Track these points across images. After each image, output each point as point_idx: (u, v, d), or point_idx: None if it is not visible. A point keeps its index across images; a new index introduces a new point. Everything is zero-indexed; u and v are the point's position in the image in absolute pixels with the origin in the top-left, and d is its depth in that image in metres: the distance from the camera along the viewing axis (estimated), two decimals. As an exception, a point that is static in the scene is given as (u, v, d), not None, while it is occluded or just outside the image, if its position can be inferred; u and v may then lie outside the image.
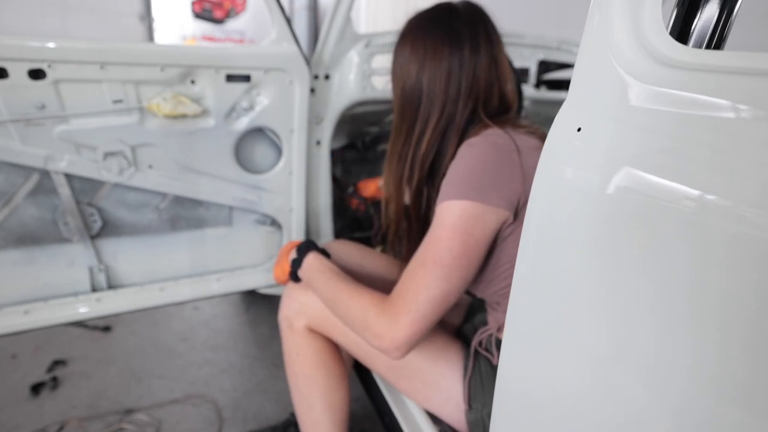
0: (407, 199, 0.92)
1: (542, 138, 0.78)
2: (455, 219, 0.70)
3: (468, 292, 0.90)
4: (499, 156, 0.72)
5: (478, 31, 0.83)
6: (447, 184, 0.74)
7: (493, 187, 0.71)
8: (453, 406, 0.83)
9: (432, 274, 0.69)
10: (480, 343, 0.85)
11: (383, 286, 0.95)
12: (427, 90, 0.83)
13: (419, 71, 0.83)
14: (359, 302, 0.75)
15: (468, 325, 1.01)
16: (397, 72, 0.88)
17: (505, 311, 0.80)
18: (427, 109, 0.83)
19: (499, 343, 0.81)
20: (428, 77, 0.82)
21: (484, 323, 0.93)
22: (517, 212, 0.73)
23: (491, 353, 0.82)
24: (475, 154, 0.74)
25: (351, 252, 1.05)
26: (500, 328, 0.83)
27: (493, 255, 0.77)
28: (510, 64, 0.90)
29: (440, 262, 0.70)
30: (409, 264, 0.73)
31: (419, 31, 0.85)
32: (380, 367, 0.87)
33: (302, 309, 0.90)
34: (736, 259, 0.30)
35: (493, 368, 0.81)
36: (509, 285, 0.77)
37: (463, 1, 0.88)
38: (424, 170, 0.87)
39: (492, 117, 0.81)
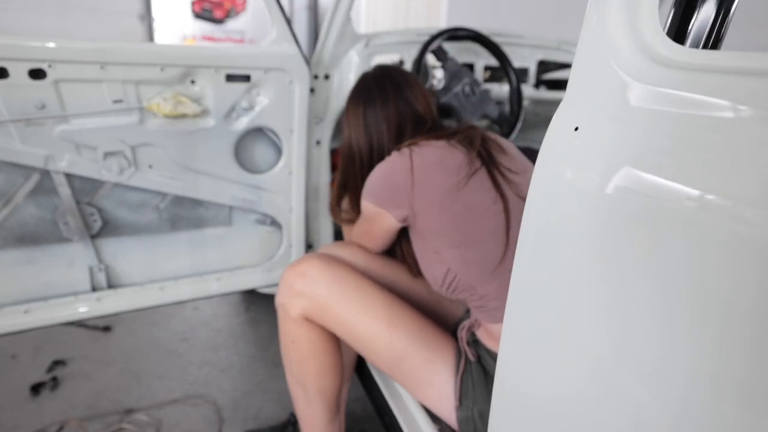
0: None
1: (447, 137, 0.93)
2: (364, 212, 0.99)
3: None
4: (392, 172, 0.90)
5: (384, 84, 1.05)
6: (365, 187, 0.97)
7: (387, 199, 0.91)
8: (446, 403, 0.84)
9: (356, 239, 1.08)
10: (462, 339, 0.88)
11: (391, 288, 0.97)
12: (356, 146, 1.06)
13: (349, 134, 1.07)
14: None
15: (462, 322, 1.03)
16: (342, 140, 1.11)
17: (474, 308, 0.88)
18: (359, 161, 1.06)
19: (473, 339, 0.88)
20: (355, 136, 1.06)
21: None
22: (407, 221, 0.91)
23: (466, 348, 0.86)
24: (384, 169, 0.92)
25: (356, 255, 1.05)
26: (473, 325, 0.88)
27: (422, 256, 0.92)
28: (428, 90, 1.14)
29: (359, 235, 1.05)
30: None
31: (348, 105, 1.09)
32: (378, 361, 0.88)
33: (299, 297, 0.91)
34: (735, 259, 0.30)
35: (482, 367, 0.84)
36: (456, 290, 0.88)
37: (374, 66, 1.14)
38: None
39: (413, 136, 1.00)
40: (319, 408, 0.97)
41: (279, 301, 0.96)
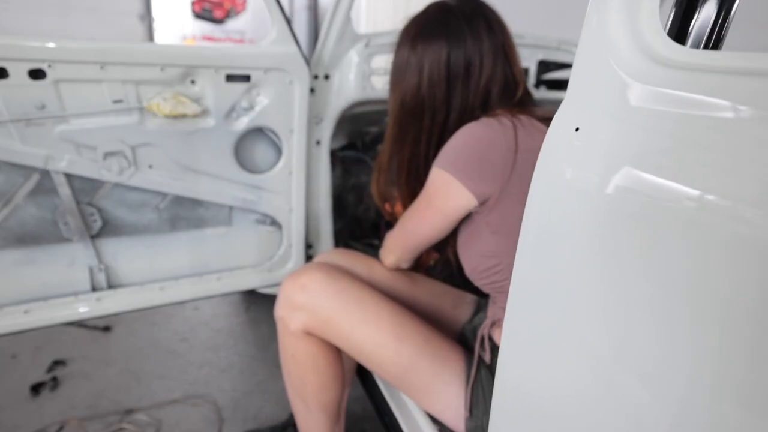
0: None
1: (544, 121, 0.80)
2: (429, 184, 0.81)
3: (470, 284, 0.92)
4: (490, 143, 0.74)
5: (477, 23, 0.80)
6: (443, 149, 0.78)
7: (473, 171, 0.74)
8: (453, 413, 0.82)
9: (401, 224, 0.90)
10: (481, 342, 0.84)
11: (393, 296, 0.95)
12: (428, 98, 0.82)
13: (418, 80, 0.82)
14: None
15: (469, 326, 1.01)
16: (395, 83, 0.87)
17: (500, 307, 0.83)
18: (429, 121, 0.84)
19: (492, 344, 0.83)
20: (427, 85, 0.81)
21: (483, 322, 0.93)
22: (486, 203, 0.76)
23: (485, 354, 0.82)
24: (478, 136, 0.75)
25: (356, 263, 1.02)
26: (493, 324, 0.84)
27: (472, 239, 0.83)
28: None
29: (407, 215, 0.87)
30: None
31: (417, 36, 0.83)
32: (384, 374, 0.86)
33: (299, 311, 0.88)
34: (735, 259, 0.30)
35: (494, 375, 0.81)
36: (497, 282, 0.81)
37: None
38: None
39: (499, 104, 0.81)
40: (319, 420, 0.94)
41: (278, 314, 0.92)
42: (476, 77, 0.80)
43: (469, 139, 0.75)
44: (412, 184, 0.91)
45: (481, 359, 0.83)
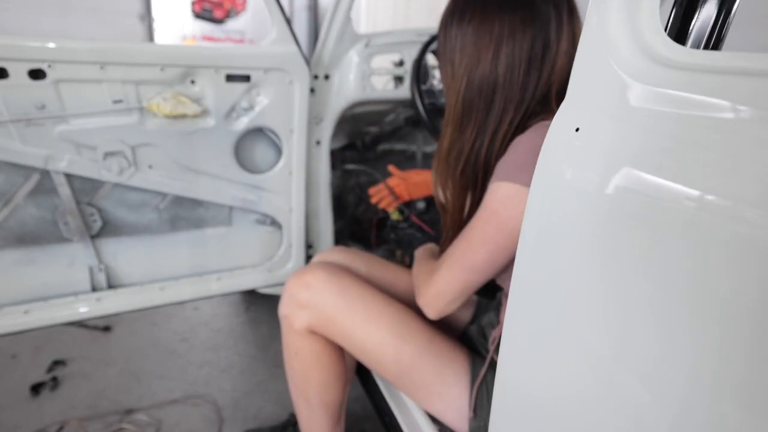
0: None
1: None
2: (495, 203, 0.69)
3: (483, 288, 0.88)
4: None
5: (562, 7, 0.72)
6: (501, 164, 0.70)
7: None
8: (456, 413, 0.82)
9: (461, 255, 0.74)
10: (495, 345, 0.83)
11: (393, 293, 0.95)
12: (503, 80, 0.72)
13: (493, 57, 0.72)
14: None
15: (473, 327, 1.00)
16: (455, 57, 0.76)
17: None
18: (501, 104, 0.74)
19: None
20: (506, 64, 0.72)
21: (491, 325, 0.92)
22: None
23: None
24: (530, 139, 0.68)
25: (355, 261, 1.02)
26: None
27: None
28: None
29: (470, 246, 0.73)
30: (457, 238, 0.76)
31: (491, 7, 0.72)
32: (385, 373, 0.86)
33: (304, 309, 0.88)
34: (735, 259, 0.30)
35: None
36: None
37: None
38: (490, 170, 0.78)
39: (559, 99, 0.73)
40: (321, 418, 0.95)
41: (282, 312, 0.92)
42: (550, 64, 0.72)
43: (528, 145, 0.68)
44: (467, 177, 0.81)
45: (491, 361, 0.82)
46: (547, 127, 0.67)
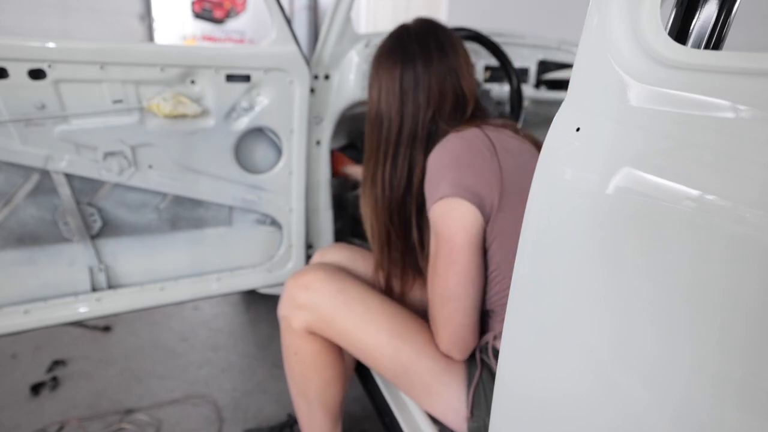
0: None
1: (516, 133, 0.83)
2: (438, 228, 0.76)
3: None
4: (471, 150, 0.75)
5: (429, 44, 0.87)
6: (426, 190, 0.79)
7: (461, 180, 0.72)
8: (454, 414, 0.82)
9: (438, 290, 0.78)
10: (482, 350, 0.84)
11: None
12: (386, 112, 0.89)
13: (378, 96, 0.90)
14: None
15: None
16: (368, 100, 0.95)
17: (501, 320, 0.81)
18: (387, 130, 0.89)
19: (495, 352, 0.82)
20: (385, 100, 0.89)
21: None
22: (489, 214, 0.73)
23: (490, 361, 0.81)
24: (447, 149, 0.77)
25: (356, 259, 1.03)
26: (496, 337, 0.82)
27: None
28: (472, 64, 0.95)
29: (437, 276, 0.77)
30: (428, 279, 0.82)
31: (379, 59, 0.92)
32: (384, 373, 0.86)
33: (303, 309, 0.89)
34: (736, 259, 0.30)
35: (493, 376, 0.80)
36: (500, 292, 0.80)
37: (416, 18, 0.94)
38: (399, 189, 0.91)
39: (450, 119, 0.86)
40: (321, 418, 0.96)
41: (281, 313, 0.93)
42: (425, 92, 0.86)
43: (443, 154, 0.76)
44: (374, 193, 0.94)
45: (484, 362, 0.82)
46: (453, 135, 0.77)
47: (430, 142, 0.87)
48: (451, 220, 0.73)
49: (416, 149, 0.88)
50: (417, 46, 0.87)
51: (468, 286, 0.75)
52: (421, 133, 0.87)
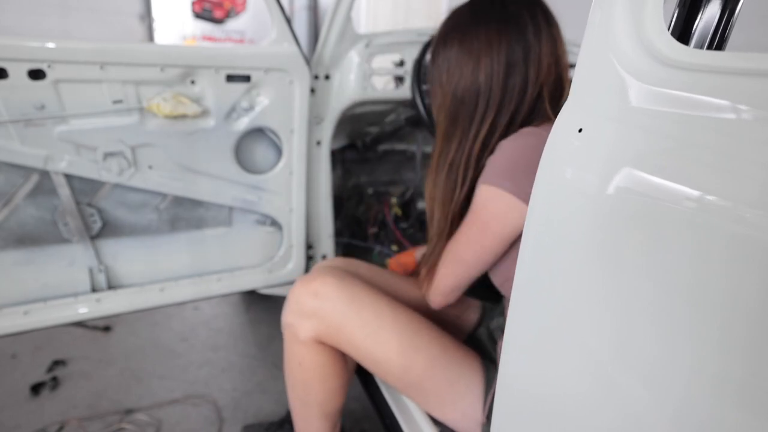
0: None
1: None
2: (478, 205, 0.75)
3: (486, 290, 0.90)
4: (537, 151, 0.68)
5: (536, 11, 0.76)
6: (488, 165, 0.74)
7: (529, 183, 0.69)
8: (468, 421, 0.80)
9: (452, 253, 0.81)
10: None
11: (399, 298, 0.93)
12: (485, 88, 0.77)
13: (474, 69, 0.77)
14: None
15: (482, 330, 0.99)
16: (441, 81, 0.82)
17: None
18: (483, 108, 0.78)
19: None
20: (485, 73, 0.76)
21: (501, 330, 0.91)
22: None
23: None
24: (527, 144, 0.71)
25: (360, 271, 0.99)
26: None
27: (515, 250, 0.77)
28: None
29: (459, 245, 0.79)
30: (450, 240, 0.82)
31: (468, 26, 0.78)
32: (396, 383, 0.83)
33: (312, 318, 0.84)
34: (736, 260, 0.30)
35: None
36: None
37: None
38: (479, 170, 0.80)
39: (551, 99, 0.77)
40: (320, 427, 0.92)
41: (287, 321, 0.87)
42: (536, 66, 0.76)
43: (520, 148, 0.71)
44: (452, 180, 0.84)
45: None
46: (533, 132, 0.71)
47: (527, 123, 0.78)
48: (497, 209, 0.72)
49: (513, 130, 0.77)
50: (526, 11, 0.76)
51: (479, 263, 0.79)
52: (524, 113, 0.77)
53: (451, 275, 0.82)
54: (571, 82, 0.82)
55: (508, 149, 0.72)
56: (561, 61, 0.79)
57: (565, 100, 0.79)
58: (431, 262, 0.87)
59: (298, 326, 0.84)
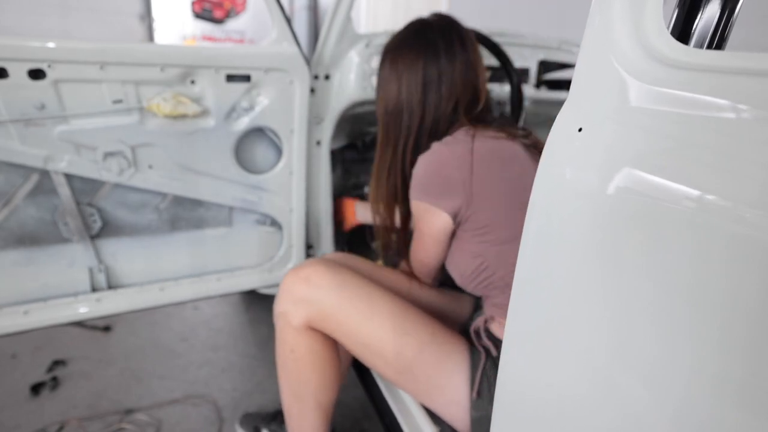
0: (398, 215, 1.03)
1: (510, 137, 0.87)
2: (416, 218, 0.90)
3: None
4: (452, 165, 0.81)
5: (452, 38, 0.91)
6: (412, 183, 0.88)
7: (439, 193, 0.83)
8: (456, 407, 0.82)
9: (414, 255, 0.98)
10: (477, 336, 0.85)
11: (395, 292, 0.94)
12: (407, 104, 0.92)
13: (398, 87, 0.92)
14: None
15: (472, 323, 1.01)
16: (380, 94, 0.97)
17: (493, 303, 0.86)
18: (408, 121, 0.93)
19: (488, 333, 0.84)
20: (406, 91, 0.91)
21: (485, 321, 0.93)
22: (458, 217, 0.84)
23: (486, 344, 0.82)
24: (433, 160, 0.84)
25: (353, 263, 1.02)
26: (487, 320, 0.86)
27: (455, 248, 0.89)
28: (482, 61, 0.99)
29: (414, 248, 0.96)
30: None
31: (396, 51, 0.94)
32: (386, 370, 0.85)
33: (302, 304, 0.86)
34: (736, 260, 0.30)
35: (497, 365, 0.81)
36: (490, 277, 0.85)
37: (434, 14, 0.97)
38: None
39: (467, 112, 0.90)
40: (313, 421, 0.93)
41: (279, 309, 0.90)
42: (448, 85, 0.90)
43: (429, 164, 0.84)
44: (392, 183, 0.99)
45: (487, 351, 0.82)
46: (444, 142, 0.85)
47: (449, 132, 0.90)
48: (429, 221, 0.86)
49: (437, 139, 0.90)
50: (441, 39, 0.90)
51: (432, 259, 0.94)
52: (442, 124, 0.91)
53: (419, 270, 1.00)
54: (488, 92, 0.95)
55: (420, 164, 0.86)
56: (478, 77, 0.92)
57: (482, 106, 0.92)
58: (398, 251, 1.07)
59: (291, 313, 0.87)
